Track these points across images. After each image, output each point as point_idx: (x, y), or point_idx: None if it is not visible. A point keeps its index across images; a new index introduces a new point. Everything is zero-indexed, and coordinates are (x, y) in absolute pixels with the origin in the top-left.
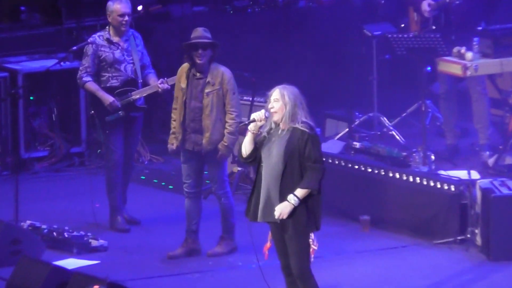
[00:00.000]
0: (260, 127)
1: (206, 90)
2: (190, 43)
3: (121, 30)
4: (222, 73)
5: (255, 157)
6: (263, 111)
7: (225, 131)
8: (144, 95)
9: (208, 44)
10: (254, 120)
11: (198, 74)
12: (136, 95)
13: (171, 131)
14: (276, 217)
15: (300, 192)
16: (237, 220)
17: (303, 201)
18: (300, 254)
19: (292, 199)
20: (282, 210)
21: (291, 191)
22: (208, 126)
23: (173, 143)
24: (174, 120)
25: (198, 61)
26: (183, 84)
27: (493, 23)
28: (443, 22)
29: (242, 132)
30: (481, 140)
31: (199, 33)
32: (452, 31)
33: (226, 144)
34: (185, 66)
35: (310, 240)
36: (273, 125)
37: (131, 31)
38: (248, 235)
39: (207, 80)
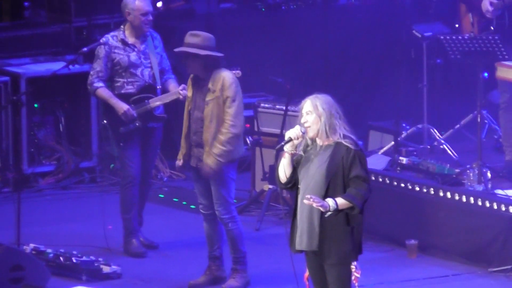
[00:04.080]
0: (297, 145)
1: (207, 98)
2: (174, 50)
3: (143, 30)
4: (223, 78)
5: (295, 180)
6: (298, 127)
7: (216, 141)
8: (164, 103)
9: (189, 54)
10: (290, 140)
11: (200, 82)
12: (154, 103)
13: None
14: (304, 197)
15: (340, 200)
16: (265, 245)
17: (347, 226)
18: (342, 283)
19: (331, 201)
20: (317, 199)
21: (335, 216)
22: (207, 140)
23: (180, 159)
24: (182, 133)
25: (188, 71)
26: (190, 93)
27: None
28: (507, 22)
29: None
30: None
31: (185, 39)
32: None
33: (212, 153)
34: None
35: (353, 267)
36: (309, 141)
37: (149, 31)
38: (272, 261)
39: (208, 86)
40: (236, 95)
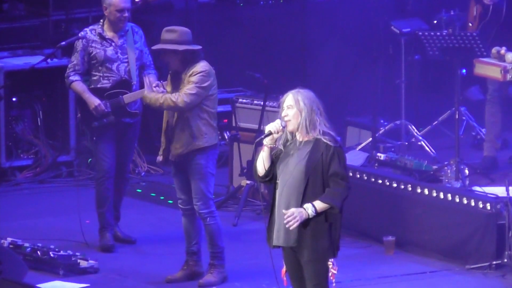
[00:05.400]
0: (277, 139)
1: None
2: (152, 48)
3: (118, 26)
4: (196, 67)
5: (273, 174)
6: (278, 121)
7: (161, 93)
8: (137, 98)
9: (166, 50)
10: (270, 133)
11: (179, 76)
12: (128, 98)
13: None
14: (284, 217)
15: (319, 204)
16: (242, 240)
17: (325, 223)
18: (318, 279)
19: (310, 209)
20: (293, 213)
21: None
22: (174, 129)
23: (160, 155)
24: (162, 129)
25: (168, 67)
26: (169, 89)
27: None
28: (505, 13)
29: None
30: None
31: (161, 36)
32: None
33: (150, 93)
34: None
35: (329, 263)
36: (289, 136)
37: (130, 25)
38: (249, 257)
39: (182, 77)
40: (201, 82)
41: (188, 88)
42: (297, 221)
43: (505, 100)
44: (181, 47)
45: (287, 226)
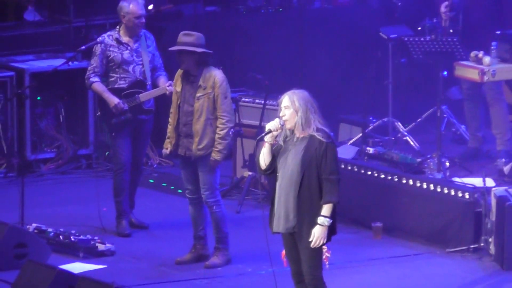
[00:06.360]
0: (277, 136)
1: (197, 94)
2: (169, 49)
3: (136, 31)
4: (214, 77)
5: (274, 168)
6: (277, 119)
7: (216, 136)
8: (152, 97)
9: (183, 51)
10: (270, 131)
11: (191, 78)
12: (144, 97)
13: (167, 135)
14: (312, 245)
15: (327, 209)
16: (245, 226)
17: (321, 210)
18: (314, 262)
19: (326, 221)
20: (319, 235)
21: (309, 201)
22: (197, 131)
23: (167, 148)
24: (170, 125)
25: (181, 67)
26: (178, 88)
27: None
28: (461, 24)
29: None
30: (498, 147)
31: (179, 39)
32: (468, 34)
33: (217, 149)
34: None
35: (324, 247)
36: (288, 133)
37: (143, 31)
38: (251, 241)
39: (199, 83)
40: (227, 91)
41: (222, 105)
42: (324, 238)
43: (479, 98)
44: (198, 49)
45: (316, 247)
